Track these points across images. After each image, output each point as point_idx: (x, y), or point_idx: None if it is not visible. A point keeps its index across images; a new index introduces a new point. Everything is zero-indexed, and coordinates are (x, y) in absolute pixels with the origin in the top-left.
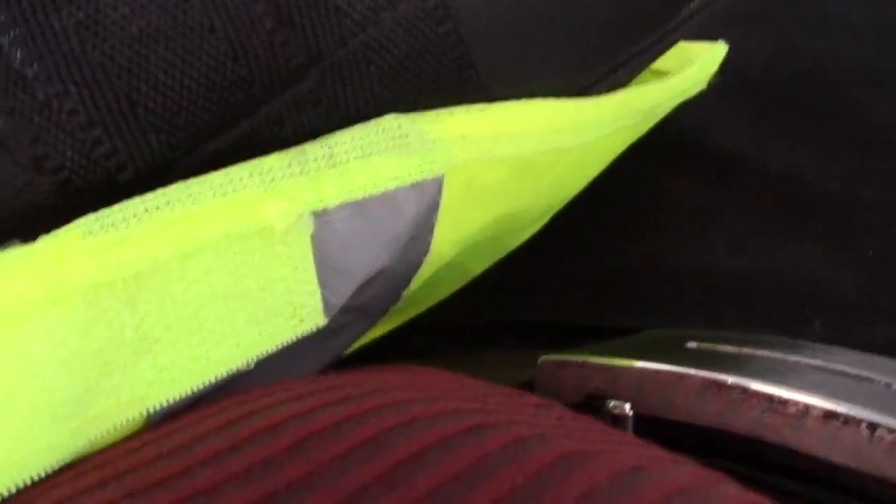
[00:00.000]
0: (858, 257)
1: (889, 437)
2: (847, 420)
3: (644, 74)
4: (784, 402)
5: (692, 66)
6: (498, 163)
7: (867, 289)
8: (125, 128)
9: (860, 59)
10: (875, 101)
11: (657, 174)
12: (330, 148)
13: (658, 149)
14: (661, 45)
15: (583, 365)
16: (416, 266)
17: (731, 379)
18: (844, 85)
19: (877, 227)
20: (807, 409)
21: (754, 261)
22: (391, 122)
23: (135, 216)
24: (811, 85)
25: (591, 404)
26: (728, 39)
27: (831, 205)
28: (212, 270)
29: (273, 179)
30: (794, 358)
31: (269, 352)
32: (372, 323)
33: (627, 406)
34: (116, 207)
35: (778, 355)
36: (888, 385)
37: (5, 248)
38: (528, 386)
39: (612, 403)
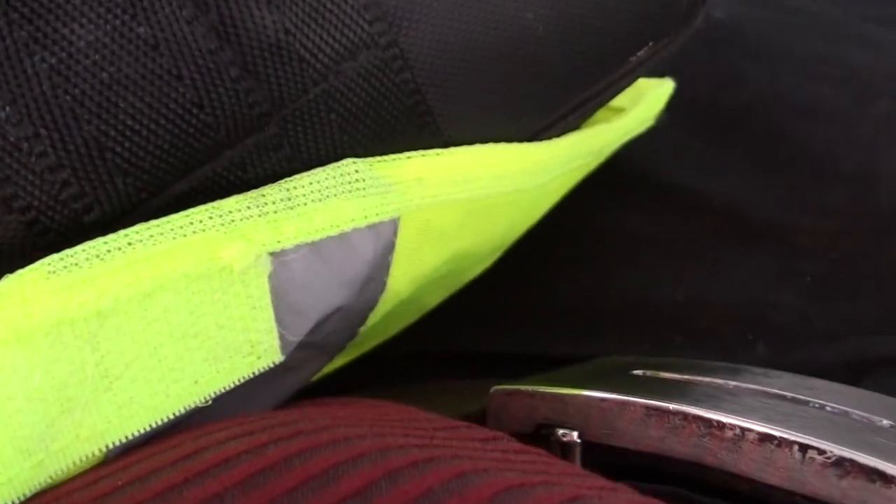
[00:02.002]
0: (798, 282)
1: (820, 459)
2: (781, 443)
3: (599, 111)
4: (722, 427)
5: (640, 105)
6: (453, 205)
7: (807, 313)
8: (93, 170)
9: (796, 91)
10: (810, 132)
11: (603, 206)
12: (288, 191)
13: (603, 181)
14: (611, 92)
15: (532, 395)
16: (372, 304)
17: (672, 405)
18: (781, 117)
19: (814, 252)
20: (743, 432)
21: (699, 288)
22: (349, 166)
23: (97, 256)
24: (750, 117)
25: (541, 433)
26: (671, 73)
27: (771, 232)
28: (171, 309)
29: (232, 221)
30: (733, 383)
31: (227, 388)
32: (329, 359)
33: (575, 434)
34: (80, 248)
35: (718, 381)
36: (822, 407)
37: None
38: (480, 416)
39: (560, 432)
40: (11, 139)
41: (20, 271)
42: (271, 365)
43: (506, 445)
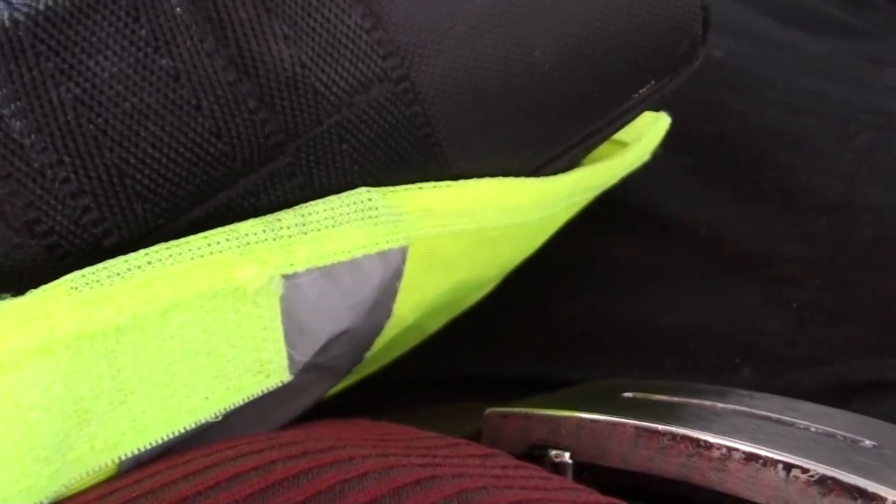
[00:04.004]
0: (784, 309)
1: (803, 477)
2: (766, 462)
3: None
4: (709, 447)
5: (640, 141)
6: (460, 235)
7: (791, 338)
8: (113, 197)
9: (779, 121)
10: (794, 164)
11: (594, 234)
12: (303, 216)
13: (595, 210)
14: (614, 127)
15: (526, 416)
16: (378, 329)
17: (660, 426)
18: (766, 148)
19: (799, 280)
20: (729, 452)
21: (687, 314)
22: (362, 195)
23: (118, 274)
24: (736, 148)
25: (534, 454)
26: (660, 106)
27: (757, 260)
28: (186, 327)
29: (248, 244)
30: (721, 405)
31: (236, 405)
32: (335, 382)
33: (567, 455)
34: (101, 265)
35: (707, 402)
36: (806, 428)
37: None
38: (475, 437)
39: (553, 452)
40: (36, 166)
41: (44, 287)
42: (279, 384)
43: (504, 461)
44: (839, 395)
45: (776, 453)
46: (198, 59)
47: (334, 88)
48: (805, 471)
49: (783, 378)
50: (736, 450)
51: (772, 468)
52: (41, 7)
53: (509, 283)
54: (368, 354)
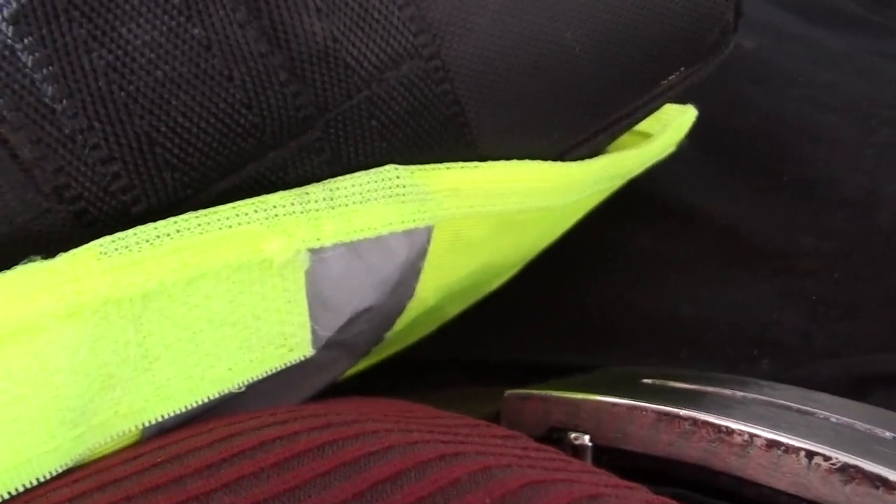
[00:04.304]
0: (801, 301)
1: (825, 465)
2: (788, 449)
3: (624, 135)
4: (731, 433)
5: (666, 132)
6: (485, 218)
7: (808, 330)
8: (143, 164)
9: (800, 115)
10: (813, 155)
11: (614, 224)
12: (331, 191)
13: (616, 200)
14: (641, 114)
15: (545, 399)
16: (400, 309)
17: (682, 411)
18: (786, 141)
19: (816, 273)
20: (751, 438)
21: (706, 305)
22: (391, 172)
23: (147, 241)
24: (756, 141)
25: (553, 437)
26: (682, 98)
27: (775, 253)
28: (212, 297)
29: (276, 216)
30: (741, 393)
31: (259, 377)
32: (355, 361)
33: (587, 437)
34: (131, 231)
35: (726, 391)
36: (826, 418)
37: (27, 262)
38: (494, 419)
39: (572, 435)
40: (67, 131)
41: (73, 251)
42: (302, 358)
43: (525, 443)
44: (855, 388)
45: (799, 440)
46: (230, 29)
47: (365, 63)
48: (827, 458)
49: (799, 370)
50: (758, 436)
51: (794, 455)
52: None
53: (530, 270)
54: (389, 334)
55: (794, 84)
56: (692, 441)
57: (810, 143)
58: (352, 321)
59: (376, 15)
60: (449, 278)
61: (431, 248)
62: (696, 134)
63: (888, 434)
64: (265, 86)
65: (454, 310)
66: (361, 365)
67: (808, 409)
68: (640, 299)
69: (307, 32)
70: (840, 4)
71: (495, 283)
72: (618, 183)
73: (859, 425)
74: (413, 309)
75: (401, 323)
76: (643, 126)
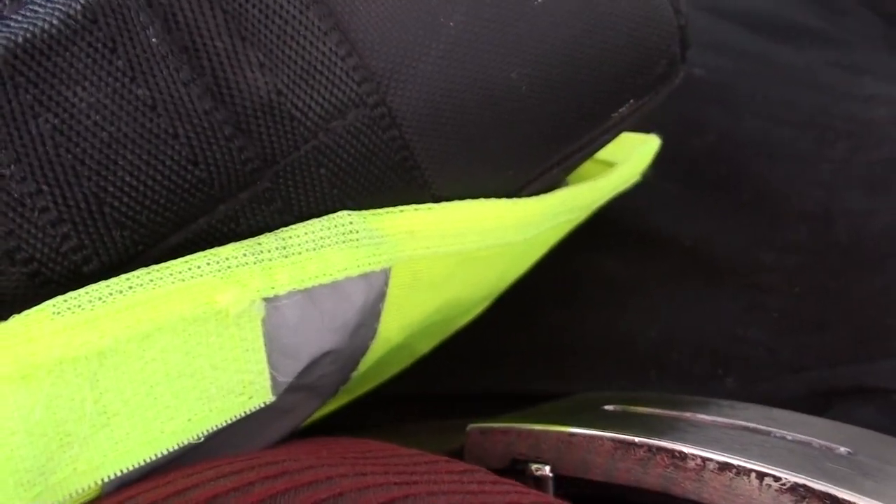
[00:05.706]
0: (764, 317)
1: (775, 485)
2: (739, 471)
3: (586, 164)
4: (684, 457)
5: (627, 162)
6: (443, 258)
7: (773, 346)
8: (92, 225)
9: (758, 134)
10: (771, 172)
11: (580, 250)
12: (284, 240)
13: (581, 228)
14: (595, 146)
15: (507, 431)
16: (363, 350)
17: (637, 438)
18: (745, 159)
19: (779, 288)
20: (704, 462)
21: (671, 325)
22: (343, 218)
23: (100, 298)
24: (715, 160)
25: (516, 468)
26: (640, 122)
27: (737, 270)
28: (168, 350)
29: (229, 267)
30: (700, 415)
31: (219, 426)
32: (322, 403)
33: (548, 468)
34: (83, 290)
35: (686, 414)
36: (783, 437)
37: None
38: (459, 452)
39: (534, 466)
40: (16, 195)
41: (26, 312)
42: (262, 405)
43: (482, 477)
44: (821, 401)
45: (749, 462)
46: (174, 88)
47: (310, 114)
48: (777, 479)
49: (765, 385)
50: (710, 460)
51: (745, 477)
52: (20, 39)
53: (497, 299)
54: (355, 374)
55: (752, 102)
56: (649, 468)
57: (768, 159)
58: (313, 365)
59: (319, 67)
60: (412, 317)
61: (390, 290)
62: (657, 158)
63: (843, 450)
64: (210, 142)
65: (425, 346)
66: (333, 404)
67: (766, 427)
68: (606, 323)
69: (251, 87)
70: (795, 17)
71: (466, 318)
72: (582, 214)
73: (816, 442)
74: (377, 349)
75: (366, 363)
76: (606, 154)
